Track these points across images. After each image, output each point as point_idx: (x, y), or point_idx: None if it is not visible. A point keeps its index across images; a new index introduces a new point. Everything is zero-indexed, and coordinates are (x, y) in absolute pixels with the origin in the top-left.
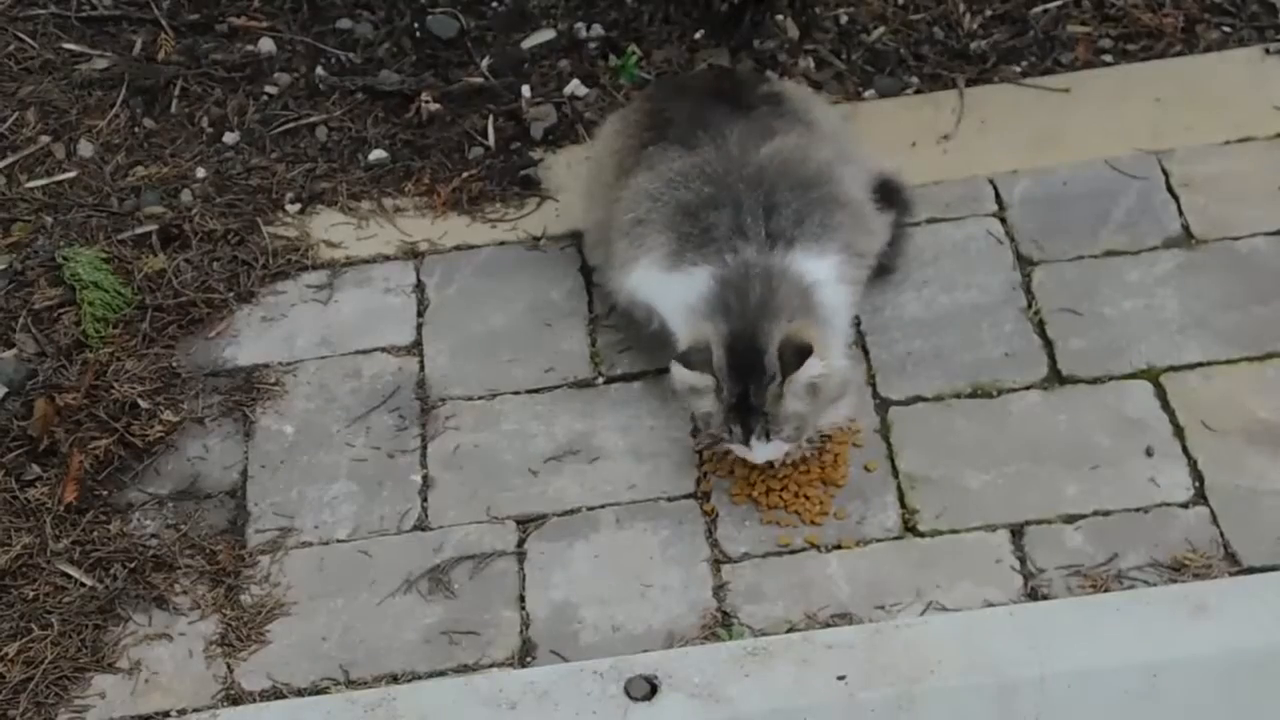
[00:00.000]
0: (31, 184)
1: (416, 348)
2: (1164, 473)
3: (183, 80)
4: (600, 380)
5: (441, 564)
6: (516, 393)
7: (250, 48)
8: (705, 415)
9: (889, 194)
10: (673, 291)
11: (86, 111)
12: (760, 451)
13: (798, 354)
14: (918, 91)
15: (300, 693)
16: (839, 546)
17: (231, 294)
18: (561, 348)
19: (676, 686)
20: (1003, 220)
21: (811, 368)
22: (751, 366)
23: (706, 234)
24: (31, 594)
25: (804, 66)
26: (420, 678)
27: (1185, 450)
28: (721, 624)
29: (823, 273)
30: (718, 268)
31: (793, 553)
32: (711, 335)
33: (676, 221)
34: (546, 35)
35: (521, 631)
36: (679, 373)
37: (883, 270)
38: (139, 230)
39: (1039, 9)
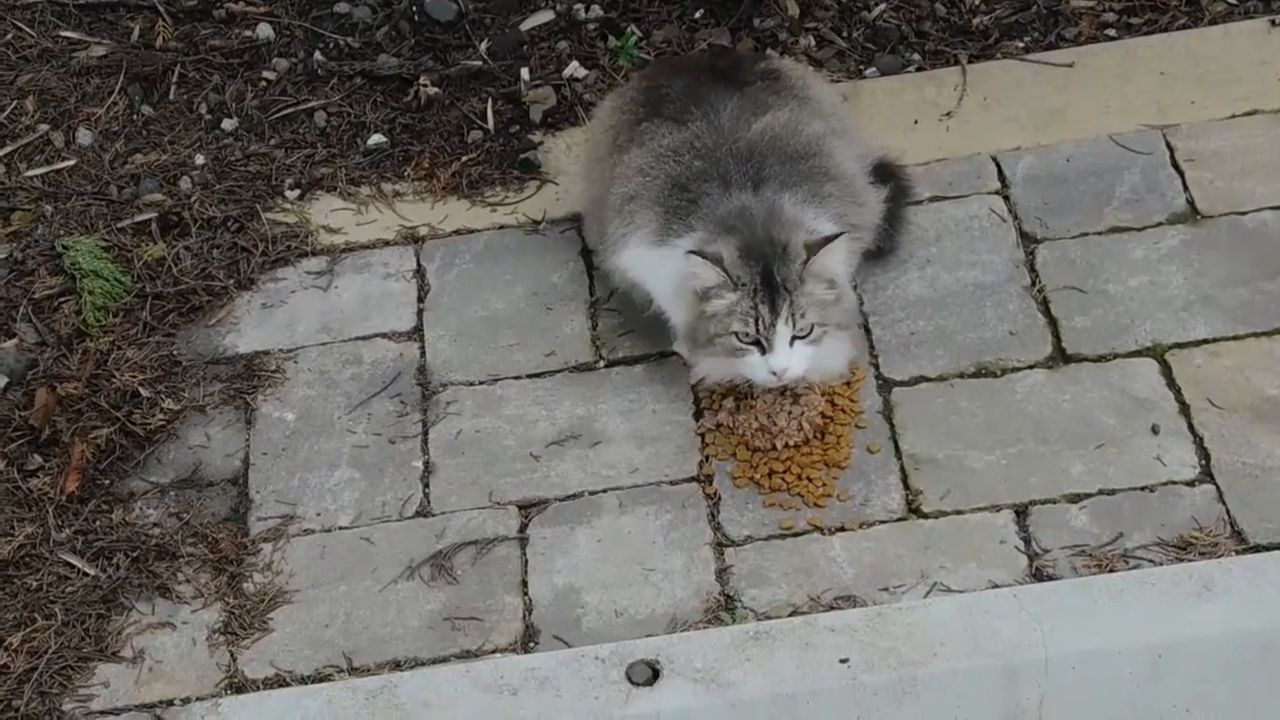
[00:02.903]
0: (31, 173)
1: (417, 333)
2: (1170, 451)
3: (181, 67)
4: (601, 364)
5: (443, 550)
6: (518, 377)
7: (248, 33)
8: (720, 318)
9: (886, 177)
10: (661, 268)
11: (85, 99)
12: (782, 356)
13: (827, 237)
14: (920, 69)
15: (303, 680)
16: (842, 529)
17: (231, 281)
18: (562, 332)
19: (678, 671)
20: (1006, 198)
21: (840, 248)
22: (772, 250)
23: (695, 204)
24: (35, 584)
25: (805, 45)
26: (423, 664)
27: (1191, 428)
28: (724, 608)
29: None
30: (706, 227)
31: (795, 535)
32: (721, 246)
33: (665, 196)
34: (545, 17)
35: (524, 617)
36: (693, 264)
37: (879, 253)
38: (138, 218)
39: None
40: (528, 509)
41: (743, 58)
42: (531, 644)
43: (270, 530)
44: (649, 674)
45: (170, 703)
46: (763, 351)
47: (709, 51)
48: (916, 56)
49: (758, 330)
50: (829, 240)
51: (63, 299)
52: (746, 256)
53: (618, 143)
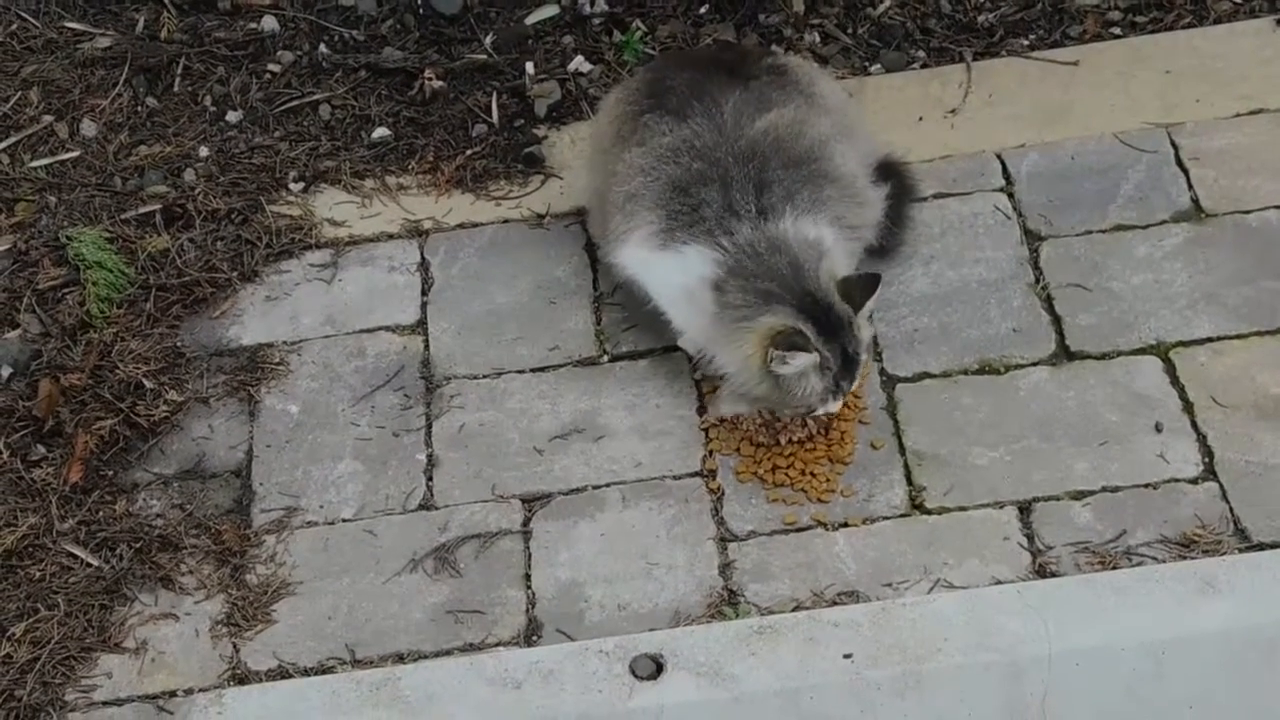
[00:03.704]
0: (35, 164)
1: (421, 326)
2: (1173, 449)
3: (185, 59)
4: (605, 358)
5: (447, 543)
6: (521, 371)
7: (253, 26)
8: (807, 395)
9: (889, 176)
10: (663, 270)
11: (89, 91)
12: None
13: (869, 284)
14: (924, 66)
15: (306, 672)
16: (846, 524)
17: (235, 273)
18: (566, 326)
19: (682, 665)
20: (1010, 195)
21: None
22: (833, 322)
23: (696, 211)
24: (38, 574)
25: (810, 41)
26: (426, 657)
27: (1194, 426)
28: (728, 602)
29: (822, 238)
30: (717, 252)
31: (799, 531)
32: (788, 320)
33: (666, 198)
34: (550, 11)
35: (527, 610)
36: (799, 360)
37: (881, 250)
38: (142, 210)
39: None
40: (531, 503)
41: (749, 53)
42: (534, 638)
43: (273, 522)
44: (653, 668)
45: (173, 694)
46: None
47: (715, 46)
48: (921, 53)
49: (837, 397)
50: (873, 285)
51: (66, 290)
52: (825, 336)
53: (620, 134)
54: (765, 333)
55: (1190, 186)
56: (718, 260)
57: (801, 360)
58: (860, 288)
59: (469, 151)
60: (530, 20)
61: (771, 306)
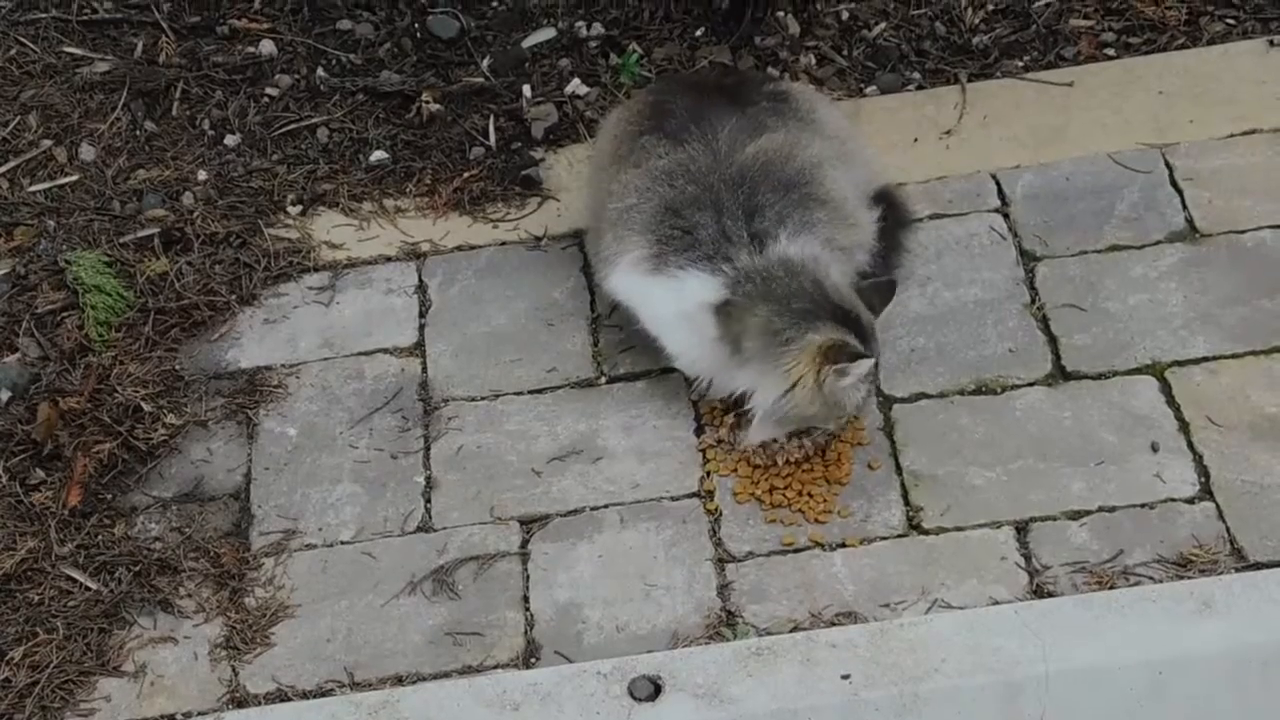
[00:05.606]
0: (33, 188)
1: (419, 349)
2: (1169, 468)
3: (184, 83)
4: (603, 380)
5: (445, 565)
6: (519, 393)
7: (251, 50)
8: (852, 404)
9: (885, 206)
10: (656, 296)
11: (88, 115)
12: None
13: (887, 290)
14: (920, 87)
15: (305, 695)
16: (843, 545)
17: (234, 296)
18: (564, 347)
19: (680, 687)
20: (1006, 216)
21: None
22: (865, 331)
23: (690, 235)
24: (36, 598)
25: (805, 63)
26: (424, 679)
27: (1191, 446)
28: (726, 624)
29: (818, 258)
30: (718, 277)
31: (797, 551)
32: (833, 334)
33: (657, 221)
34: (547, 34)
35: (525, 632)
36: (859, 367)
37: (874, 278)
38: (141, 233)
39: (1041, 3)
40: (529, 524)
41: (751, 78)
42: (533, 659)
43: (272, 545)
44: (651, 689)
45: (172, 717)
46: None
47: (720, 70)
48: (916, 75)
49: (868, 405)
50: (890, 291)
51: (65, 314)
52: (864, 344)
53: (618, 154)
54: (815, 350)
55: (1185, 207)
56: (721, 285)
57: (862, 367)
58: (879, 294)
59: (466, 174)
60: (527, 43)
61: (813, 324)
